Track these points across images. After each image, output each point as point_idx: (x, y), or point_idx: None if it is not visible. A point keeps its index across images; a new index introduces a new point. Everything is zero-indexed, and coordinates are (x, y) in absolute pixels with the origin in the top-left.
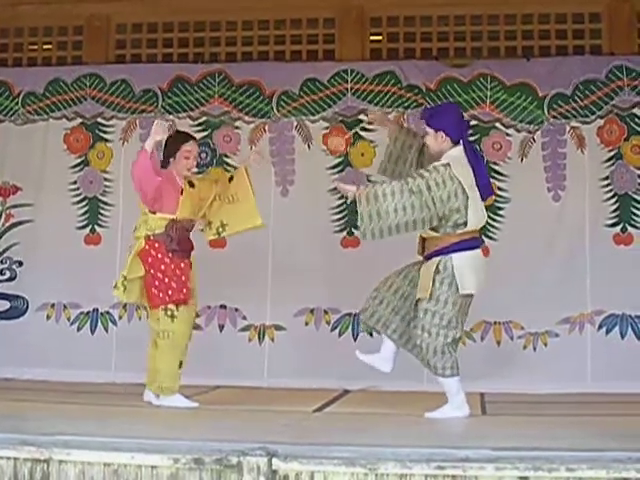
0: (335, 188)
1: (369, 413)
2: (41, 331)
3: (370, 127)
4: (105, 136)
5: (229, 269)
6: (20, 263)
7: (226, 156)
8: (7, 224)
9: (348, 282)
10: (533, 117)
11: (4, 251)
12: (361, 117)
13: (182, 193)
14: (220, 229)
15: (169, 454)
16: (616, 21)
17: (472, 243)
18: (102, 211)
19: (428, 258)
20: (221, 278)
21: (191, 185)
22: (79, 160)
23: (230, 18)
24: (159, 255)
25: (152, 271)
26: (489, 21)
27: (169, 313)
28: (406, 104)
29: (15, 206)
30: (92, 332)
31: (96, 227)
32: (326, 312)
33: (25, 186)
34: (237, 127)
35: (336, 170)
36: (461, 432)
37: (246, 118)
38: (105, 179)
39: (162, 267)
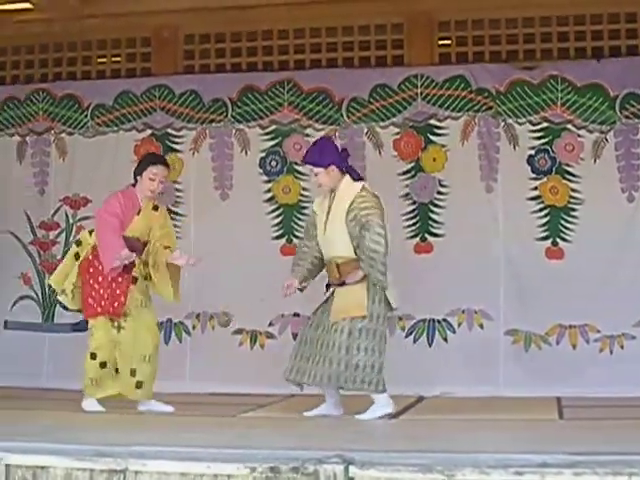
0: (408, 194)
1: (444, 419)
2: None
3: (441, 132)
4: (175, 147)
5: None
6: None
7: (296, 164)
8: (77, 236)
9: (422, 288)
10: (605, 118)
11: None
12: (432, 122)
13: (139, 213)
14: (149, 276)
15: (245, 463)
16: None
17: None
18: (174, 222)
19: (343, 283)
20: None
21: (155, 209)
22: None
23: (298, 26)
24: (100, 267)
25: (91, 281)
26: (558, 22)
27: (115, 325)
28: (476, 108)
29: (85, 218)
30: (166, 343)
31: None
32: (400, 318)
33: (95, 198)
34: (307, 135)
35: (408, 176)
36: (538, 437)
37: (316, 125)
38: (176, 189)
39: (100, 279)
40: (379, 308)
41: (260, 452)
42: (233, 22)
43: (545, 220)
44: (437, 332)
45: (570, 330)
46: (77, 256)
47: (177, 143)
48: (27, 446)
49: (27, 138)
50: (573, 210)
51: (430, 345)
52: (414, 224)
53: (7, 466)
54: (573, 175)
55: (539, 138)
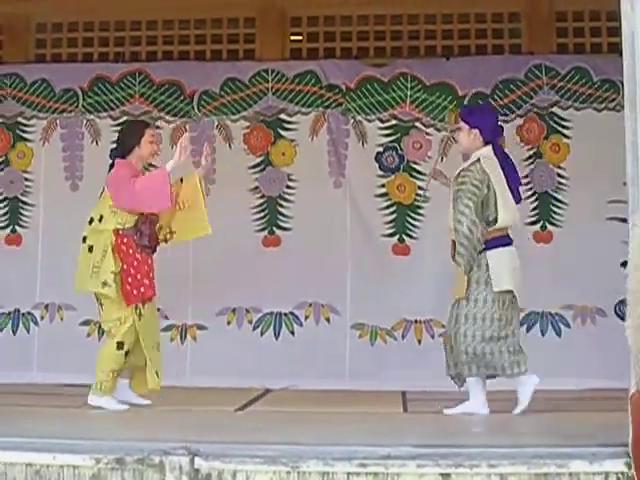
0: (257, 188)
1: (291, 412)
2: None
3: (291, 126)
4: (26, 136)
5: None
6: None
7: None
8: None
9: (270, 281)
10: (453, 116)
11: None
12: (281, 116)
13: None
14: (168, 235)
15: (91, 454)
16: (535, 20)
17: (506, 240)
18: (23, 211)
19: None
20: None
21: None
22: None
23: (150, 17)
24: (130, 250)
25: (125, 267)
26: (409, 21)
27: (138, 311)
28: (326, 104)
29: None
30: (14, 333)
31: (17, 227)
32: (248, 311)
33: None
34: (158, 127)
35: (257, 169)
36: (383, 429)
37: (167, 117)
38: (26, 179)
39: (134, 263)
40: (483, 291)
41: (105, 443)
42: (85, 12)
43: (392, 217)
44: (284, 325)
45: (416, 325)
46: (90, 249)
47: (27, 132)
48: None
49: None
50: (419, 207)
51: (277, 338)
52: (263, 217)
53: None
54: (420, 173)
55: (388, 135)
